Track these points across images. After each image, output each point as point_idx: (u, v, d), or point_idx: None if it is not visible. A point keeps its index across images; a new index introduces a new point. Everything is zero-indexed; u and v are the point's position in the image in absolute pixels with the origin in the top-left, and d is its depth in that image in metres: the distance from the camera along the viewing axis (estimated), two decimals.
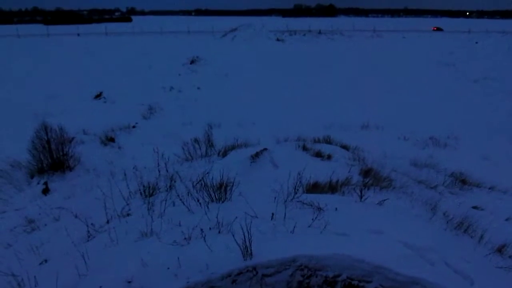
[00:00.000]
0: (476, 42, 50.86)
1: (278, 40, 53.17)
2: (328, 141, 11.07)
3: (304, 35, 61.74)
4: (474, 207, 7.36)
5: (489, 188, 8.83)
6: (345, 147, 10.56)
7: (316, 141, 10.88)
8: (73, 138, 11.60)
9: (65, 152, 9.65)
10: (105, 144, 12.13)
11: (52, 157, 9.40)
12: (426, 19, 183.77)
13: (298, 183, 5.69)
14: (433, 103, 18.74)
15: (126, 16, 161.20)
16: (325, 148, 9.38)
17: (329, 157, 8.71)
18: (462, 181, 9.07)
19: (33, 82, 22.84)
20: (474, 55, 37.60)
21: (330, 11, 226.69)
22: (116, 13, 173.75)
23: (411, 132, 13.50)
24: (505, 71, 27.15)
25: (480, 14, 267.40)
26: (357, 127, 14.30)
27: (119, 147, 11.98)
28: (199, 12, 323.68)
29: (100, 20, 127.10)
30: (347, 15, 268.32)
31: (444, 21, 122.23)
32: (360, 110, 16.73)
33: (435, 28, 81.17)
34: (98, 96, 19.31)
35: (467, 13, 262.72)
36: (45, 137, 9.39)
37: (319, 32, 65.75)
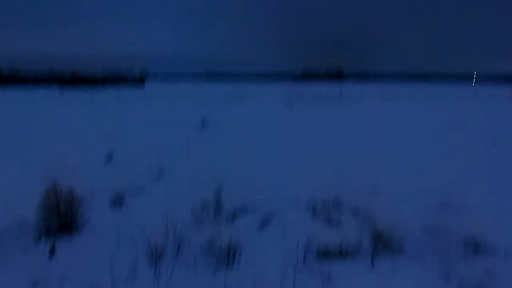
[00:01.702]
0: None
1: (286, 104, 54.52)
2: (337, 203, 10.97)
3: (313, 99, 63.43)
4: (489, 274, 7.11)
5: (505, 253, 8.57)
6: (355, 209, 10.44)
7: (326, 203, 10.79)
8: (82, 199, 11.62)
9: (73, 214, 9.64)
10: (114, 206, 12.12)
11: (60, 219, 9.38)
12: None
13: (307, 249, 5.60)
14: (445, 162, 18.68)
15: (139, 79, 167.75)
16: (335, 212, 9.28)
17: (338, 221, 8.60)
18: (475, 246, 8.83)
19: (45, 143, 23.34)
20: (486, 117, 38.00)
21: (338, 76, 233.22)
22: (129, 79, 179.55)
23: (423, 194, 13.34)
24: None
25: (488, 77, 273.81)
26: (368, 189, 14.18)
27: (128, 209, 11.95)
28: (210, 75, 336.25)
29: (114, 82, 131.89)
30: (356, 79, 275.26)
31: None
32: (369, 172, 16.68)
33: None
34: (108, 156, 19.57)
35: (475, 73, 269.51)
36: (54, 198, 9.43)
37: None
